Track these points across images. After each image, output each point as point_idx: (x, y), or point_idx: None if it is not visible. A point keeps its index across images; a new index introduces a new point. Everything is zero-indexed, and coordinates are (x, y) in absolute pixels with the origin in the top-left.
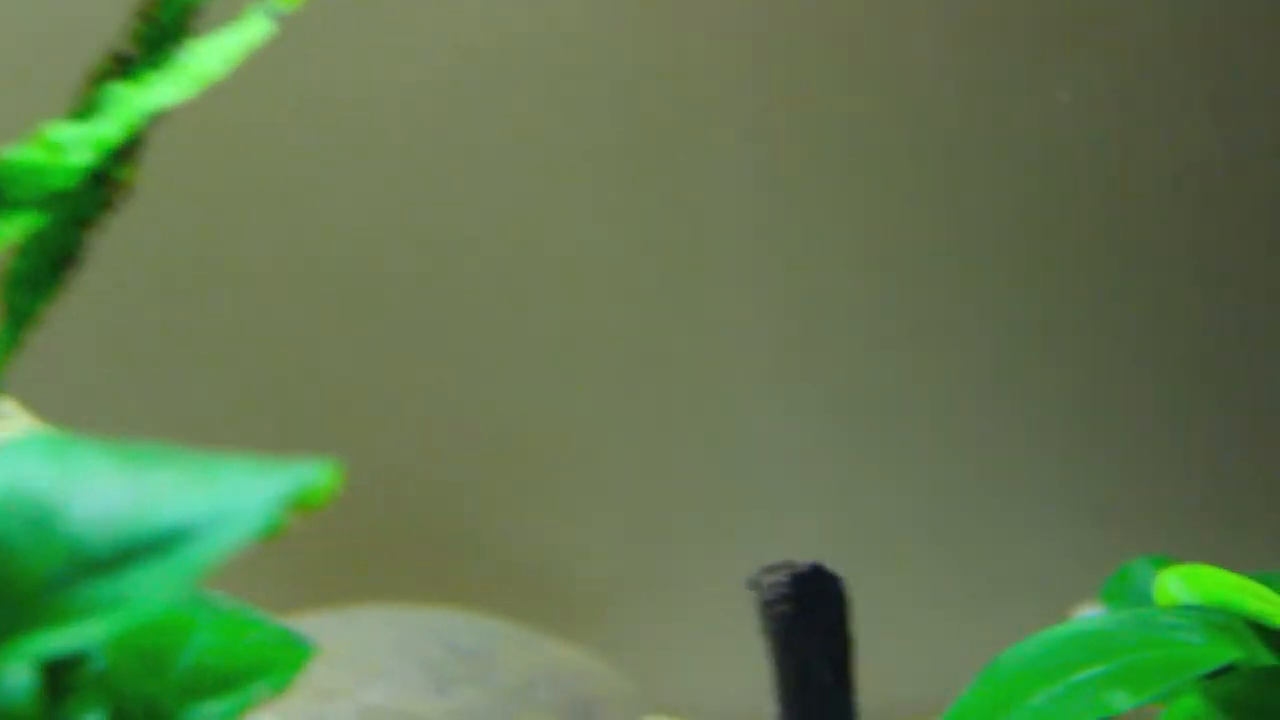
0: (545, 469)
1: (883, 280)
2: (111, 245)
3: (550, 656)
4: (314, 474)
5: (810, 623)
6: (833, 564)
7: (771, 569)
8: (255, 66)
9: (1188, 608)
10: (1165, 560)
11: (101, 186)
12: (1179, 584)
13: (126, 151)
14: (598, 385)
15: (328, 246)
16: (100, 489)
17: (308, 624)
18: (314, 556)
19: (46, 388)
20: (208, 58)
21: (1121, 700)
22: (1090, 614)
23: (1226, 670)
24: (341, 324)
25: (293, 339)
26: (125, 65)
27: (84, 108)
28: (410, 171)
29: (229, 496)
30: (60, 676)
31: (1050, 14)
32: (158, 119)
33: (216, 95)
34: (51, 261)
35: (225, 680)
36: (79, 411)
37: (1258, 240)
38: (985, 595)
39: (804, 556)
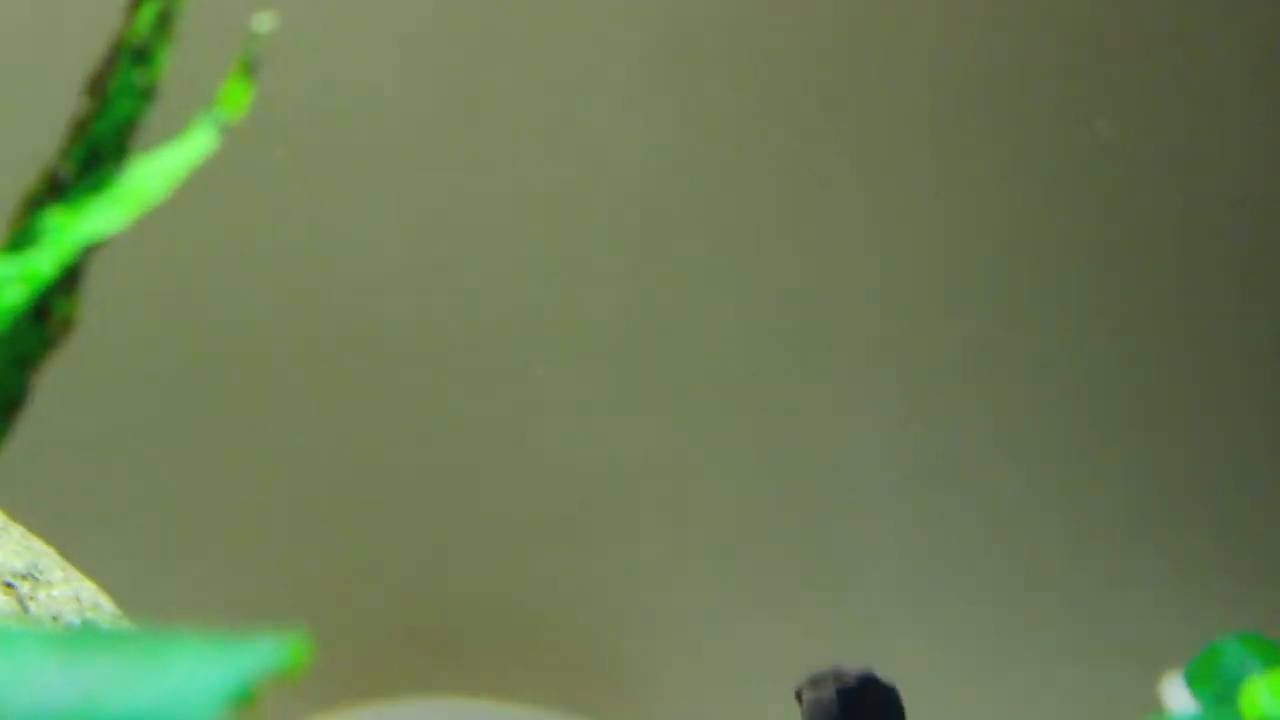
0: (585, 543)
1: (936, 335)
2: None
3: None
4: (274, 656)
5: None
6: (896, 626)
7: (817, 681)
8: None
9: None
10: (1256, 639)
11: (42, 322)
12: (1270, 697)
13: (66, 284)
14: (640, 454)
15: (346, 309)
16: (41, 683)
17: None
18: (356, 647)
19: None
20: (149, 178)
21: None
22: (1179, 691)
23: None
24: (368, 397)
25: (311, 416)
26: (59, 187)
27: (18, 236)
28: (410, 203)
29: (178, 689)
30: None
31: (1089, 43)
32: (97, 248)
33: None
34: None
35: None
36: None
37: None
38: (1066, 660)
39: (864, 626)
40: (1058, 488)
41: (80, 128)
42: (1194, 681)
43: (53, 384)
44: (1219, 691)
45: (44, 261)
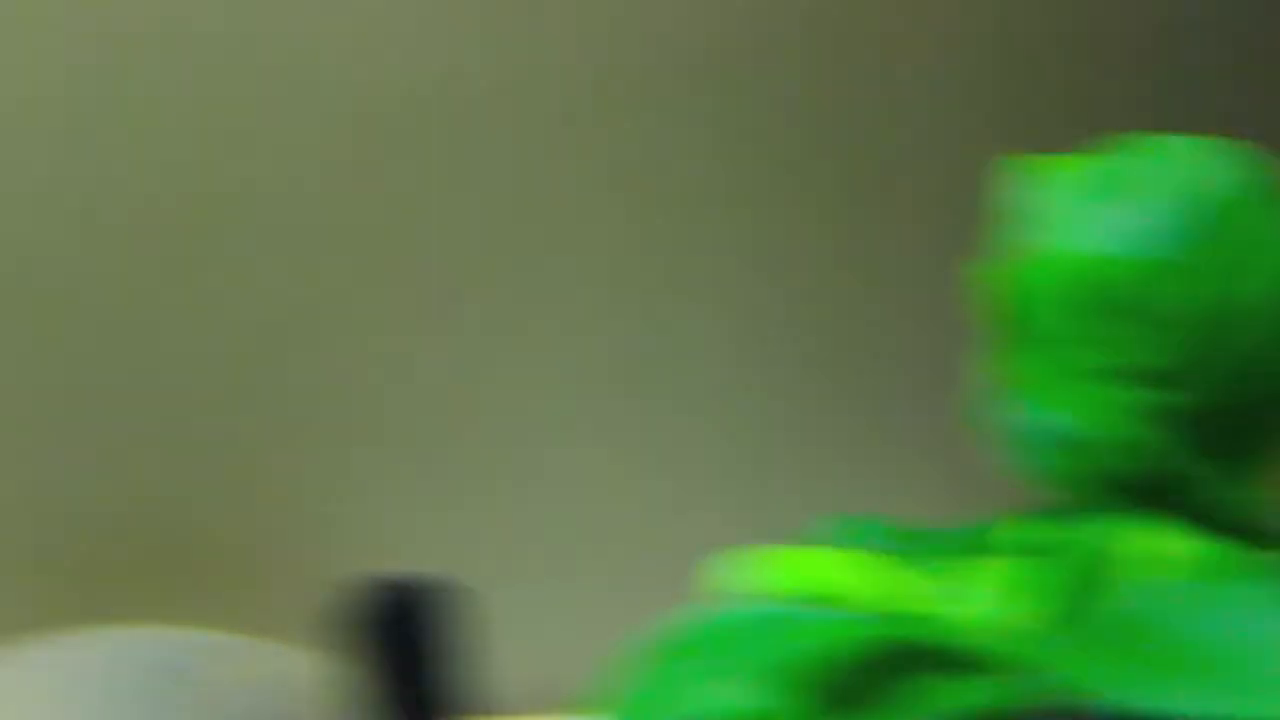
0: (298, 472)
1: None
2: None
3: (276, 668)
4: None
5: (396, 650)
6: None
7: (369, 585)
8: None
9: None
10: (865, 521)
11: None
12: (765, 576)
13: None
14: (363, 378)
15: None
16: None
17: (10, 655)
18: (68, 570)
19: None
20: None
21: (735, 693)
22: None
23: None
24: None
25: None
26: None
27: None
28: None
29: None
30: None
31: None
32: None
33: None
34: None
35: None
36: None
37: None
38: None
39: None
40: (710, 380)
41: None
42: None
43: None
44: None
45: None
